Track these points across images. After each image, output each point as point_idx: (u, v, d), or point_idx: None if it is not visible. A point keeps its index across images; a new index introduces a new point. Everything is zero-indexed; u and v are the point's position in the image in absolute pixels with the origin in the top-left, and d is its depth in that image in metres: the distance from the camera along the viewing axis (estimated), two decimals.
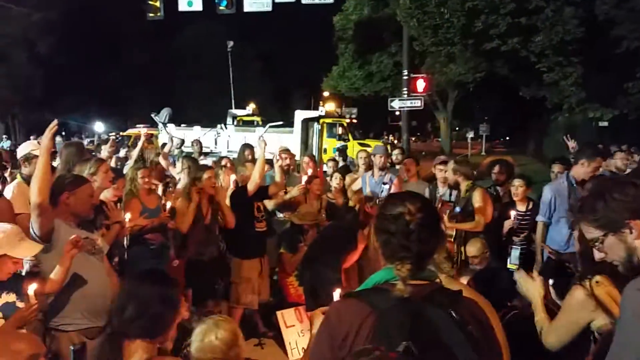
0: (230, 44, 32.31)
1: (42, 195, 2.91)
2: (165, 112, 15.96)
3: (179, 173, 6.44)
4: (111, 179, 4.20)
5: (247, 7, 15.40)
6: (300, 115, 16.57)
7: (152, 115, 16.11)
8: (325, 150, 16.82)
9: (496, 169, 5.85)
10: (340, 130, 19.35)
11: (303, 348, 4.30)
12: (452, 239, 4.79)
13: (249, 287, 5.01)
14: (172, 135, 8.87)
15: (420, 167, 6.66)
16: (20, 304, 2.74)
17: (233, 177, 5.36)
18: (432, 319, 1.45)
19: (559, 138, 6.34)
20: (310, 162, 6.78)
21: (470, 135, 36.10)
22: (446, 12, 19.55)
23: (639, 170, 5.93)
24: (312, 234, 5.13)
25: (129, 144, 16.51)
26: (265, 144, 5.29)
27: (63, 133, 28.97)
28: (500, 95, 29.14)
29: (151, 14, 15.90)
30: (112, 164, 6.89)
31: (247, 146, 7.52)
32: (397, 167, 6.98)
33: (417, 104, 15.60)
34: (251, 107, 21.21)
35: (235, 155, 8.59)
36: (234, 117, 19.94)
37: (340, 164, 8.52)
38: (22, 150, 4.47)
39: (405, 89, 16.12)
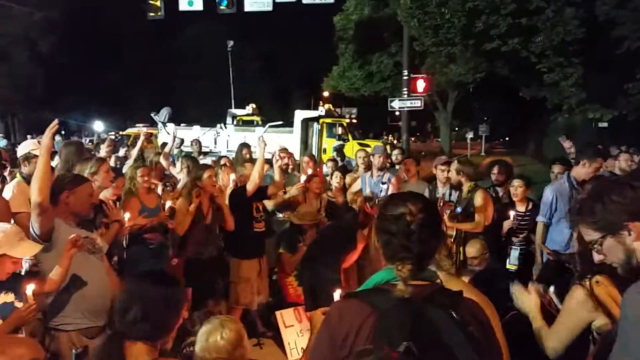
0: (231, 43, 32.35)
1: (43, 194, 2.92)
2: (164, 112, 15.94)
3: (179, 173, 6.45)
4: (111, 179, 4.21)
5: (248, 6, 15.41)
6: (300, 115, 16.54)
7: (152, 115, 16.09)
8: (324, 150, 16.81)
9: (495, 169, 5.85)
10: (340, 130, 19.33)
11: (302, 348, 4.29)
12: (452, 239, 4.80)
13: (248, 287, 5.00)
14: (175, 134, 8.86)
15: (421, 168, 6.66)
16: (18, 304, 2.74)
17: (232, 176, 5.36)
18: (433, 320, 1.45)
19: (568, 137, 6.34)
20: (310, 161, 6.79)
21: (470, 135, 36.09)
22: (447, 13, 19.53)
23: (638, 172, 5.92)
24: (312, 234, 5.12)
25: (128, 143, 16.50)
26: (265, 145, 5.29)
27: (62, 132, 28.99)
28: (500, 95, 29.13)
29: (152, 14, 15.91)
30: (112, 163, 6.90)
31: (245, 145, 7.53)
32: (397, 167, 6.99)
33: (417, 104, 15.59)
34: (251, 106, 21.15)
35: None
36: (234, 116, 19.91)
37: (339, 164, 8.51)
38: (22, 150, 4.48)
39: (405, 89, 16.11)
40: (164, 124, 15.55)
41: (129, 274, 4.15)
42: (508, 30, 18.55)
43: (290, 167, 6.94)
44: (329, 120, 18.83)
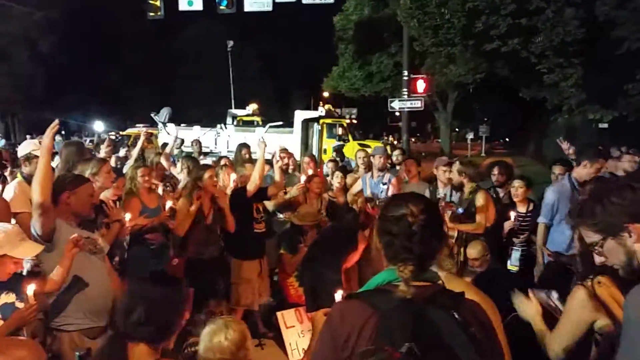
0: (231, 43, 32.38)
1: (45, 194, 2.92)
2: (165, 112, 15.94)
3: (179, 173, 6.45)
4: (112, 180, 4.21)
5: (248, 6, 15.43)
6: (300, 115, 16.55)
7: (152, 115, 16.09)
8: (325, 151, 16.81)
9: (496, 170, 5.84)
10: (340, 131, 19.34)
11: (303, 349, 4.29)
12: (454, 240, 4.80)
13: (249, 288, 5.01)
14: (177, 135, 8.89)
15: (421, 168, 6.65)
16: (19, 304, 2.73)
17: (233, 176, 5.36)
18: (435, 321, 1.45)
19: (564, 139, 6.34)
20: (311, 162, 6.79)
21: (470, 136, 36.15)
22: (447, 13, 19.53)
23: (638, 174, 5.92)
24: (312, 235, 5.12)
25: (128, 143, 16.49)
26: (265, 145, 5.29)
27: (63, 132, 28.97)
28: (501, 96, 29.13)
29: (152, 14, 15.93)
30: (112, 163, 6.89)
31: (244, 145, 7.54)
32: (397, 167, 6.98)
33: (417, 104, 15.60)
34: (251, 107, 21.16)
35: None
36: (234, 117, 19.92)
37: (339, 164, 8.51)
38: (22, 150, 4.48)
39: (405, 89, 16.12)
40: (164, 124, 15.54)
41: (131, 274, 4.16)
42: (508, 31, 18.55)
43: (291, 167, 6.94)
44: (329, 120, 18.84)
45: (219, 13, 15.73)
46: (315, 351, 1.64)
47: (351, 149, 15.65)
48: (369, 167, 6.45)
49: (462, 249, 4.68)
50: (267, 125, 15.64)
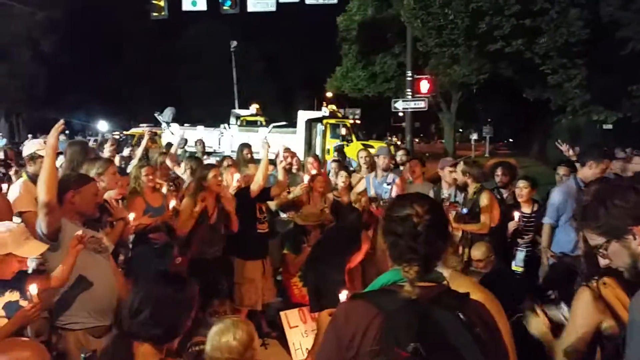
0: (234, 43, 32.40)
1: (50, 194, 2.94)
2: (168, 112, 15.99)
3: (184, 173, 6.46)
4: (117, 181, 4.22)
5: (251, 7, 15.44)
6: (303, 115, 16.55)
7: (156, 115, 16.13)
8: (328, 151, 16.81)
9: (499, 171, 5.83)
10: (343, 131, 19.33)
11: (307, 349, 4.30)
12: (458, 240, 4.79)
13: (252, 288, 5.01)
14: (183, 135, 8.94)
15: (426, 169, 6.65)
16: (23, 303, 2.74)
17: (237, 175, 5.36)
18: (440, 321, 1.45)
19: (563, 140, 6.32)
20: (315, 162, 6.79)
21: (474, 137, 36.10)
22: (450, 13, 19.49)
23: None
24: (316, 235, 5.12)
25: (132, 143, 16.53)
26: (269, 146, 5.29)
27: (67, 132, 29.05)
28: (504, 97, 29.08)
29: (155, 14, 15.97)
30: (116, 162, 6.91)
31: (245, 145, 7.56)
32: (401, 167, 6.98)
33: (421, 105, 15.57)
34: (254, 107, 21.20)
35: None
36: (237, 117, 19.94)
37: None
38: (27, 150, 4.50)
39: (409, 90, 16.09)
40: (167, 124, 15.59)
41: (137, 274, 4.16)
42: (512, 32, 18.50)
43: (295, 167, 6.94)
44: (332, 120, 18.84)
45: (222, 13, 15.77)
46: (320, 351, 1.65)
47: (354, 149, 15.67)
48: (371, 166, 6.44)
49: (466, 249, 4.68)
50: (271, 126, 15.66)
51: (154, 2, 15.78)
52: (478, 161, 6.31)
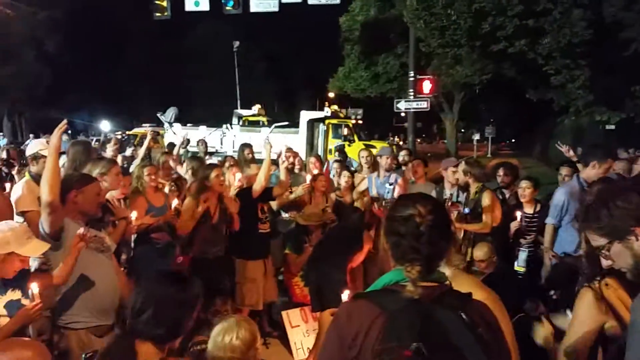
0: (237, 44, 32.46)
1: (53, 193, 2.94)
2: (171, 112, 16.03)
3: (186, 173, 6.47)
4: (120, 182, 4.23)
5: (254, 7, 15.45)
6: (305, 115, 16.57)
7: (158, 115, 16.17)
8: (330, 151, 16.83)
9: (501, 171, 5.83)
10: (345, 131, 19.34)
11: (308, 348, 4.30)
12: (461, 240, 4.79)
13: (253, 288, 5.01)
14: (186, 136, 8.98)
15: (428, 169, 6.64)
16: (25, 301, 2.74)
17: (239, 175, 5.37)
18: (442, 321, 1.45)
19: (566, 141, 6.31)
20: (317, 162, 6.80)
21: (476, 137, 36.03)
22: (453, 14, 19.47)
23: None
24: (317, 235, 5.13)
25: (135, 142, 16.57)
26: (271, 147, 5.30)
27: (69, 132, 29.11)
28: (507, 97, 29.04)
29: (158, 14, 15.99)
30: (119, 162, 6.92)
31: (246, 145, 7.59)
32: (404, 168, 6.98)
33: (423, 105, 15.55)
34: (257, 107, 21.21)
35: None
36: (240, 117, 19.96)
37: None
38: (30, 149, 4.51)
39: (411, 90, 16.07)
40: (170, 123, 15.62)
41: (139, 273, 4.17)
42: (515, 32, 18.47)
43: (297, 166, 6.95)
44: (334, 121, 18.84)
45: (225, 13, 15.77)
46: (322, 350, 1.64)
47: (356, 149, 15.68)
48: (372, 166, 6.44)
49: (468, 249, 4.67)
50: (273, 126, 15.68)
51: (156, 2, 15.80)
52: (479, 161, 6.31)
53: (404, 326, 1.42)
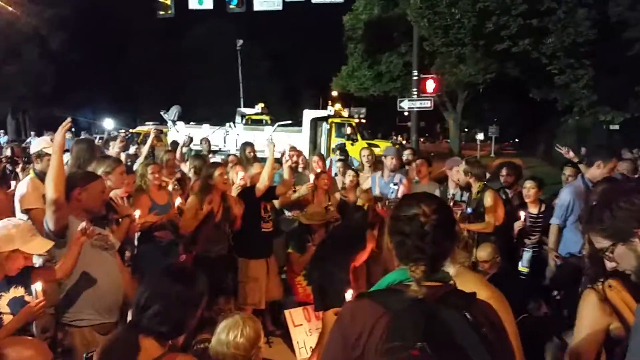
0: (240, 42, 32.38)
1: (58, 191, 2.96)
2: (174, 110, 16.02)
3: (189, 171, 6.48)
4: (124, 181, 4.23)
5: (257, 6, 15.45)
6: (309, 114, 16.56)
7: (162, 113, 16.18)
8: (333, 150, 16.83)
9: (504, 171, 5.82)
10: (348, 130, 19.32)
11: (311, 347, 4.30)
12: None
13: (256, 287, 5.01)
14: (190, 136, 9.00)
15: (432, 169, 6.63)
16: (28, 298, 2.75)
17: (241, 173, 5.37)
18: (446, 321, 1.44)
19: (570, 141, 6.31)
20: (320, 161, 6.80)
21: (480, 136, 35.96)
22: (457, 13, 19.45)
23: None
24: (320, 234, 5.13)
25: (138, 141, 16.59)
26: (274, 146, 5.29)
27: (73, 129, 29.13)
28: (511, 96, 29.02)
29: (162, 12, 16.01)
30: (122, 159, 6.93)
31: (248, 144, 7.61)
32: (407, 167, 6.96)
33: (427, 104, 15.54)
34: (260, 106, 21.19)
35: None
36: (243, 115, 19.96)
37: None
38: (34, 147, 4.52)
39: (414, 89, 16.07)
40: (173, 122, 15.63)
41: (143, 271, 4.17)
42: (519, 31, 18.45)
43: (301, 165, 6.94)
44: (337, 120, 18.84)
45: (228, 12, 15.78)
46: (326, 350, 1.64)
47: (359, 148, 15.67)
48: (374, 165, 6.43)
49: (473, 250, 4.66)
50: (276, 124, 15.68)
51: (160, 0, 15.82)
52: (480, 160, 6.30)
53: (408, 326, 1.42)
